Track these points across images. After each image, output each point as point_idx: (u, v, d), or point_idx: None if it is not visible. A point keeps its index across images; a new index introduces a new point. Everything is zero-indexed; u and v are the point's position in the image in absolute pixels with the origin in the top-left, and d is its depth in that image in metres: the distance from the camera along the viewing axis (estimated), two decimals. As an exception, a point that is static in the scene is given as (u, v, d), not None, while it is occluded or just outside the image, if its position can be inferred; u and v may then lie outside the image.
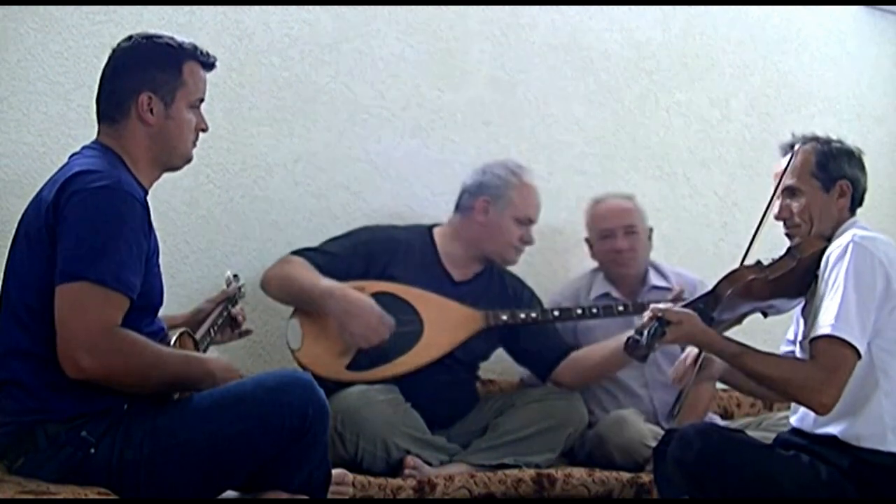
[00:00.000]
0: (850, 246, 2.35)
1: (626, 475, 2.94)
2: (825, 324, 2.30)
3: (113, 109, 2.20)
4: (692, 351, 2.70)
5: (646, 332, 2.38)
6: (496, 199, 3.15)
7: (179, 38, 2.27)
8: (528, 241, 3.22)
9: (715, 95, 4.05)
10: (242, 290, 2.52)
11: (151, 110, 2.18)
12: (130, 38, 2.24)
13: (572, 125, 3.77)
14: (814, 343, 2.32)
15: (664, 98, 3.95)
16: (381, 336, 2.91)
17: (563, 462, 3.06)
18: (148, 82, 2.18)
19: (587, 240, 3.49)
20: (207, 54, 2.28)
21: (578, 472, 2.91)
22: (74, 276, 1.98)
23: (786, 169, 2.52)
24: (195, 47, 2.26)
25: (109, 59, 2.24)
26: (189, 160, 2.30)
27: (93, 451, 2.03)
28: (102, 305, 1.99)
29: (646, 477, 2.90)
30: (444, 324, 3.03)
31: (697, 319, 2.40)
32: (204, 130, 2.30)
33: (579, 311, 3.13)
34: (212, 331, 2.43)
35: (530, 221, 3.19)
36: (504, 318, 3.08)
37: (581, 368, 3.14)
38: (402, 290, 3.02)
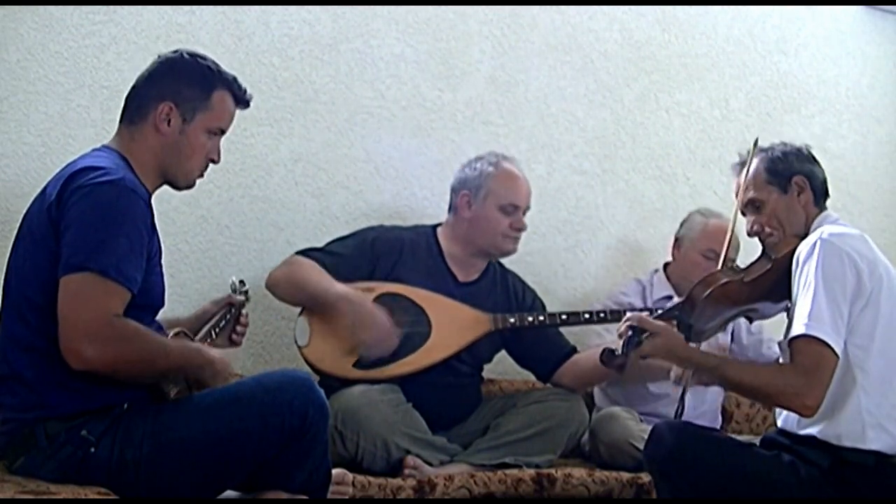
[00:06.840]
0: (818, 243, 2.34)
1: (626, 475, 2.94)
2: (799, 324, 2.29)
3: (134, 112, 2.24)
4: None
5: (622, 343, 2.39)
6: (476, 192, 3.12)
7: (224, 66, 2.29)
8: (519, 227, 3.13)
9: (715, 95, 4.05)
10: (248, 294, 2.51)
11: (168, 122, 2.21)
12: (177, 51, 2.27)
13: (572, 125, 3.77)
14: (791, 345, 2.32)
15: (664, 98, 3.95)
16: (388, 349, 2.92)
17: (563, 462, 3.06)
18: (173, 94, 2.21)
19: (677, 239, 3.50)
20: (244, 91, 2.30)
21: (578, 472, 2.90)
22: (77, 267, 2.00)
23: (745, 187, 2.53)
24: (234, 79, 2.29)
25: (150, 65, 2.27)
26: (191, 186, 2.31)
27: (93, 450, 2.04)
28: (104, 296, 2.00)
29: (645, 477, 2.90)
30: (452, 326, 3.03)
31: (674, 333, 2.41)
32: (214, 162, 2.31)
33: (587, 316, 3.12)
34: (213, 332, 2.42)
35: (515, 208, 3.12)
36: (512, 321, 3.06)
37: (584, 371, 3.12)
38: (410, 291, 3.02)
